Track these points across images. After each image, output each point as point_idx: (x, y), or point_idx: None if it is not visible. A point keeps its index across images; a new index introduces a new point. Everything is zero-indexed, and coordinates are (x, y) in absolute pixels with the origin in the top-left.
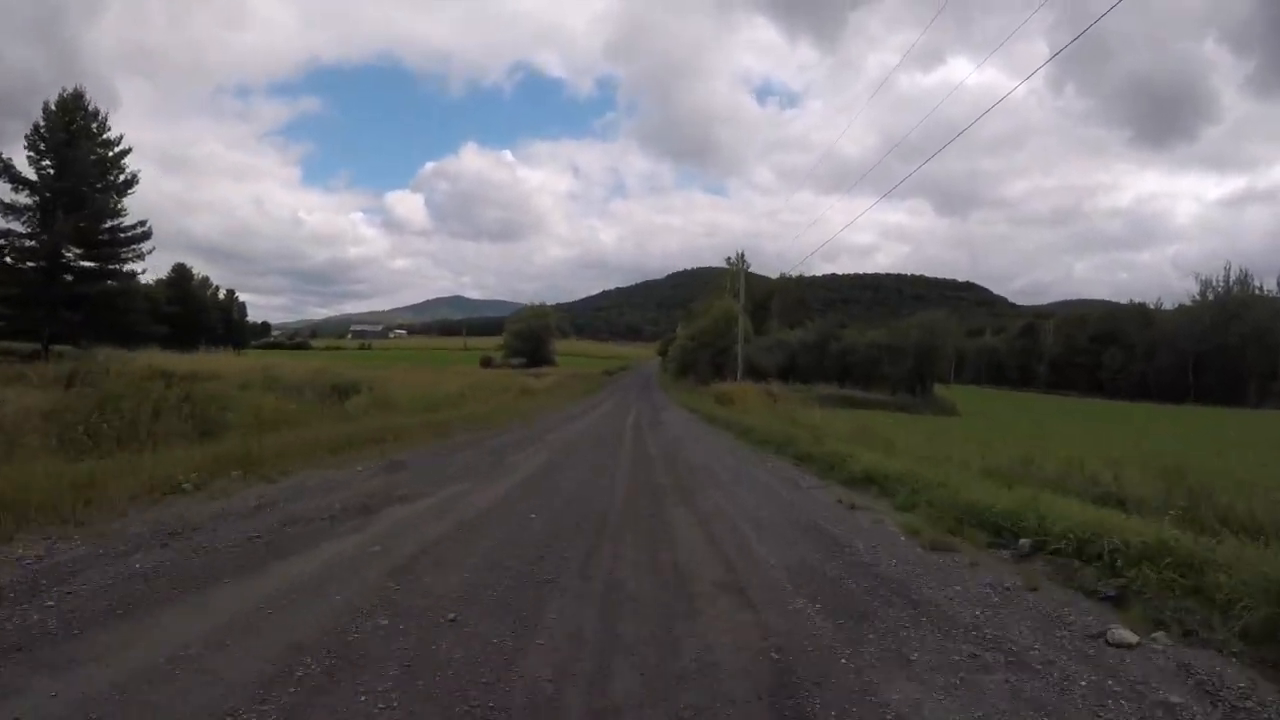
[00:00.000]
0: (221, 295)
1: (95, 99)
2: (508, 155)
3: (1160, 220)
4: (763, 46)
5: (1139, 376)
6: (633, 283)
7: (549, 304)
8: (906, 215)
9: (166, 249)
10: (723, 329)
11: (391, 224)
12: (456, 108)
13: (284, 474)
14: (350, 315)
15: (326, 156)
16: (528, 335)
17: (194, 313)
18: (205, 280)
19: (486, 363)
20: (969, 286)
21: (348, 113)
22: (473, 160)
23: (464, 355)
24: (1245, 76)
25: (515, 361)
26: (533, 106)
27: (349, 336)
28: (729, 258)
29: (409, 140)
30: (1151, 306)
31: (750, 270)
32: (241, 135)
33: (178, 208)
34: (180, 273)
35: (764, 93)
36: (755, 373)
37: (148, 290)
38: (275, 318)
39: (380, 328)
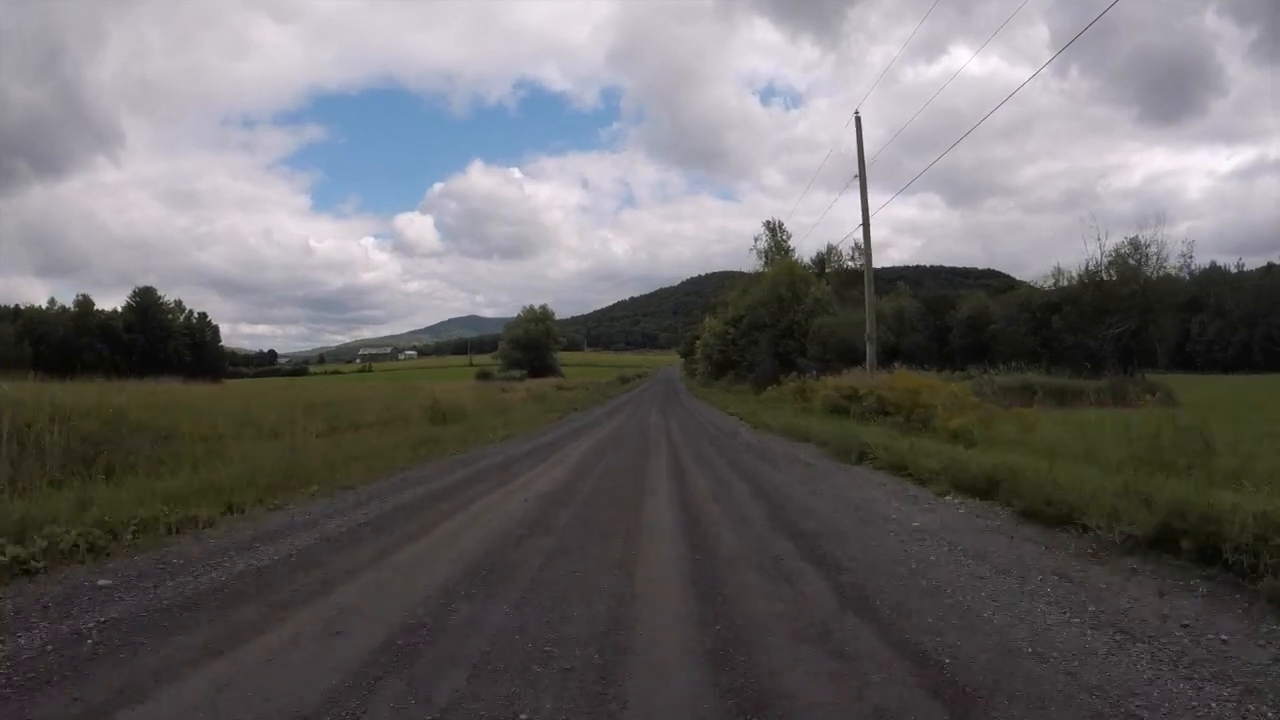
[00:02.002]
0: (194, 320)
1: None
2: (515, 172)
3: (1172, 198)
4: (765, 48)
5: (1240, 346)
6: (647, 292)
7: (563, 317)
8: (918, 209)
9: (180, 284)
10: (788, 300)
11: (403, 247)
12: (461, 127)
13: None
14: (366, 340)
15: (334, 183)
16: (526, 343)
17: (156, 340)
18: (178, 304)
19: (484, 377)
20: (991, 274)
21: (353, 138)
22: (480, 179)
23: (465, 371)
24: (1249, 45)
25: (515, 374)
26: (538, 121)
27: (357, 361)
28: (768, 220)
29: (415, 162)
30: (1233, 269)
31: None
32: (248, 166)
33: (189, 242)
34: (145, 298)
35: (769, 94)
36: (850, 357)
37: (104, 318)
38: (293, 347)
39: (390, 350)
